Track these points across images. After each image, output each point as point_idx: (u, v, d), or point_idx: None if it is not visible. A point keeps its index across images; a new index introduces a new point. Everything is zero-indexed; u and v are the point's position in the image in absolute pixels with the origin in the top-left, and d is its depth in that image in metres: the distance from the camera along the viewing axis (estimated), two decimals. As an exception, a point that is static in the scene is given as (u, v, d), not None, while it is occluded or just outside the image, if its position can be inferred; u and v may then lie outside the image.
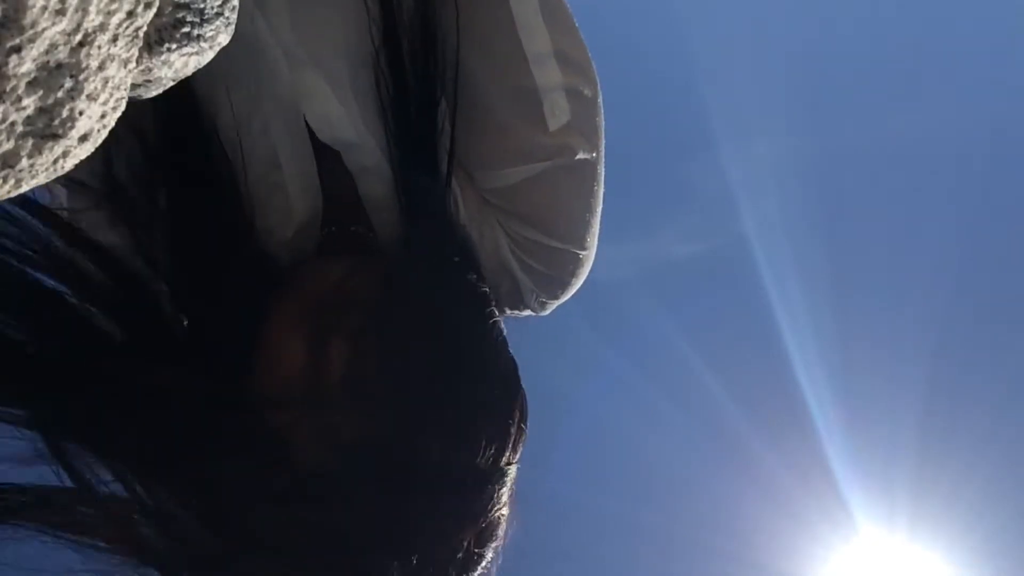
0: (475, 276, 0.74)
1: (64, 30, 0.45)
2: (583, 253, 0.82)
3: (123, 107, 0.53)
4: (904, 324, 4.16)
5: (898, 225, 4.33)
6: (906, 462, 4.10)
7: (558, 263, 0.83)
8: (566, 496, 4.17)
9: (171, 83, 0.57)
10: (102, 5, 0.47)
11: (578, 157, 0.79)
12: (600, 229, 0.82)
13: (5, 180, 0.48)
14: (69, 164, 0.52)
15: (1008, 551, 4.09)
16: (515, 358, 0.75)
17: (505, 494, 0.69)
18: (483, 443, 0.66)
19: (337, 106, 0.75)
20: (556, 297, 0.87)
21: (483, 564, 0.70)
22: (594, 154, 0.79)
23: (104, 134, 0.53)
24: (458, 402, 0.66)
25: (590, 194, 0.80)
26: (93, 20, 0.47)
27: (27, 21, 0.43)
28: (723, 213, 4.13)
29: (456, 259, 0.74)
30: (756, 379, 4.15)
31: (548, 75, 0.76)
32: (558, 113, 0.78)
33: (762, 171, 4.21)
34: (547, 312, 0.89)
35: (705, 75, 4.14)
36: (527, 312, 0.88)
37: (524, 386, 0.75)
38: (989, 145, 4.28)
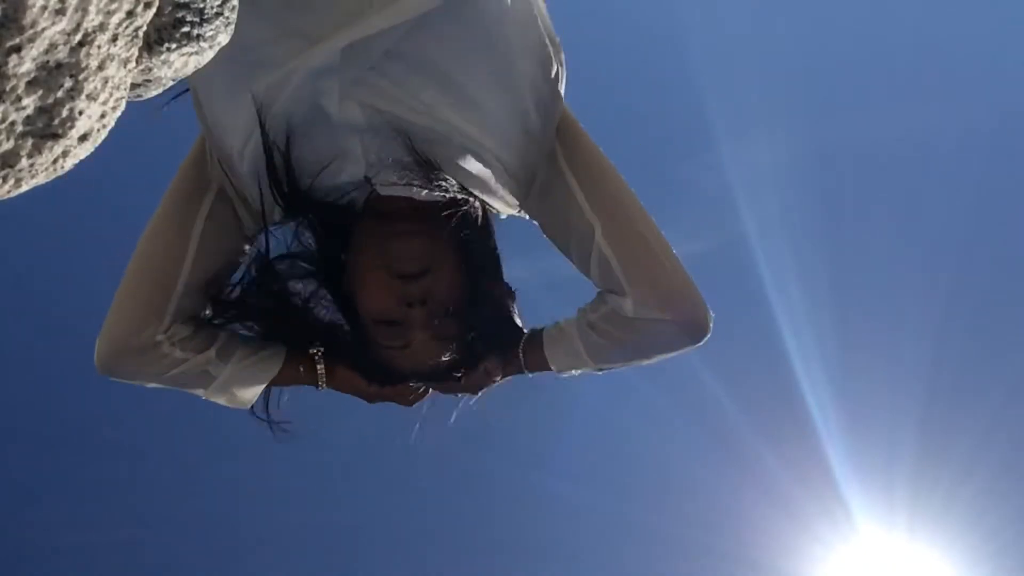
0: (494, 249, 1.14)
1: (64, 30, 0.45)
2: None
3: (123, 107, 0.53)
4: (904, 324, 4.16)
5: (897, 225, 4.33)
6: (906, 462, 4.10)
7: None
8: (566, 496, 4.18)
9: (171, 83, 0.57)
10: (102, 5, 0.46)
11: None
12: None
13: (5, 180, 0.48)
14: (69, 164, 0.52)
15: (1007, 551, 4.09)
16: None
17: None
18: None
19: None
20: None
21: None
22: None
23: (104, 134, 0.53)
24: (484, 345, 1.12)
25: None
26: (93, 20, 0.47)
27: (27, 21, 0.43)
28: (723, 213, 4.13)
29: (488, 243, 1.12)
30: (756, 379, 4.16)
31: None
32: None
33: (762, 171, 4.21)
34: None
35: (705, 75, 4.14)
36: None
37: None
38: (989, 145, 4.28)
